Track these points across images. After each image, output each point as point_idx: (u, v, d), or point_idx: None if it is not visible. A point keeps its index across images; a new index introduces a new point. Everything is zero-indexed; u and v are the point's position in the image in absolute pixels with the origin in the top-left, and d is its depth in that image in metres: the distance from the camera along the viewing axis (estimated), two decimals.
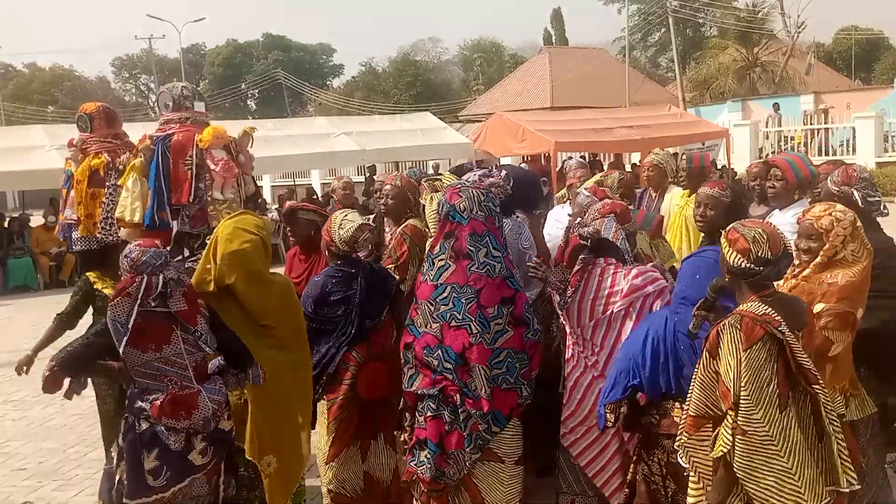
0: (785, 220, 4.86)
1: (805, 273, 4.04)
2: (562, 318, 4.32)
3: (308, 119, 29.44)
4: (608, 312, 4.13)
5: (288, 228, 5.71)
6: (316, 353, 4.57)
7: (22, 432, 7.53)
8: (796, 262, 4.06)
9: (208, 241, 4.31)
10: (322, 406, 4.73)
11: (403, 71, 63.53)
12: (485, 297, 3.91)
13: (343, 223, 4.66)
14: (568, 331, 4.32)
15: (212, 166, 5.04)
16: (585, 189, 5.26)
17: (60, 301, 5.60)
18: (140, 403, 3.83)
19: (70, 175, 5.50)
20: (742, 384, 3.10)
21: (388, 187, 5.49)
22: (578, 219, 4.57)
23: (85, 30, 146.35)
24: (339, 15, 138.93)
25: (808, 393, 3.21)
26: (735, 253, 3.27)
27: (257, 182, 5.76)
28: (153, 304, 3.81)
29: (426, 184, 5.36)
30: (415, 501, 4.26)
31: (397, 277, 5.03)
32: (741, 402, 3.11)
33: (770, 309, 3.19)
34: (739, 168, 20.72)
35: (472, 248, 3.93)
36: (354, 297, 4.62)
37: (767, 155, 24.52)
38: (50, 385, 3.82)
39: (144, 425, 3.83)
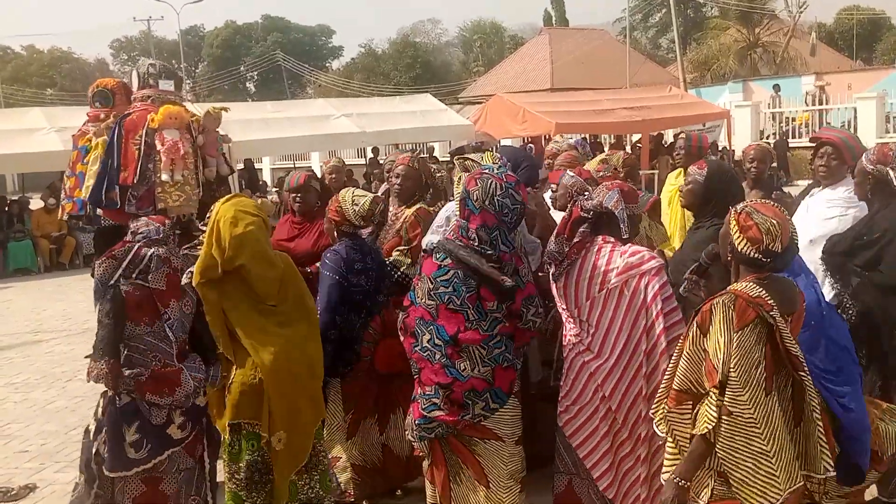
0: (837, 196, 4.90)
1: None
2: (555, 296, 4.33)
3: (307, 101, 29.38)
4: (603, 291, 4.13)
5: (299, 196, 5.73)
6: (349, 321, 4.69)
7: (24, 415, 7.54)
8: None
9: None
10: (337, 382, 4.82)
11: (403, 53, 63.36)
12: (486, 291, 3.90)
13: (356, 199, 4.76)
14: (562, 311, 4.33)
15: (159, 147, 4.91)
16: (570, 172, 5.25)
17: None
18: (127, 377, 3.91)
19: (89, 150, 5.47)
20: (732, 365, 3.06)
21: (400, 168, 5.45)
22: (585, 193, 4.55)
23: (83, 12, 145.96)
24: None
25: (789, 378, 3.20)
26: (745, 240, 3.19)
27: (256, 164, 5.69)
28: (135, 276, 3.89)
29: (457, 163, 5.32)
30: (425, 479, 4.33)
31: (408, 259, 5.15)
32: (729, 382, 3.07)
33: (764, 292, 3.14)
34: (740, 149, 20.69)
35: (483, 238, 3.91)
36: (372, 270, 4.76)
37: (768, 136, 24.49)
38: (113, 382, 3.91)
39: (126, 399, 3.93)
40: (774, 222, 3.16)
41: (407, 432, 4.26)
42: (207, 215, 4.34)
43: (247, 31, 72.78)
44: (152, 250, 3.94)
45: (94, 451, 4.09)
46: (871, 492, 4.59)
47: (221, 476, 4.42)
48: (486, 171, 4.02)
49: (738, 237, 3.20)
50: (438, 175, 5.62)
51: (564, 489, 4.35)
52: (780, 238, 3.15)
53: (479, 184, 3.91)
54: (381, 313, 4.83)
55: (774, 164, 17.21)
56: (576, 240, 4.23)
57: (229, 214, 4.19)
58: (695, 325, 3.24)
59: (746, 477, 3.10)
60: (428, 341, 3.97)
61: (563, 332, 4.34)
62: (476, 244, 3.88)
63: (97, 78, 6.44)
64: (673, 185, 6.67)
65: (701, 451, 3.17)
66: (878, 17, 53.14)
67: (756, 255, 3.17)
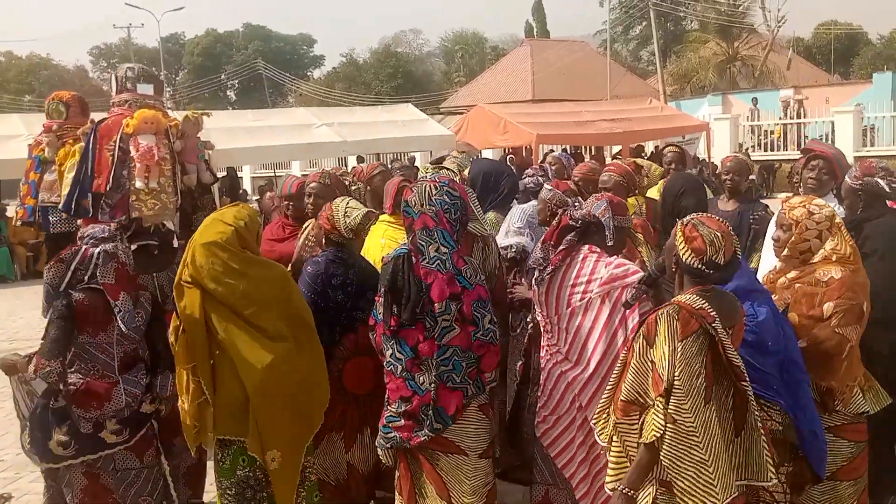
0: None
1: (791, 275, 3.98)
2: (535, 303, 4.32)
3: (288, 110, 29.26)
4: (584, 300, 4.12)
5: (291, 203, 5.77)
6: (322, 336, 4.54)
7: None
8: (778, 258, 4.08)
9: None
10: None
11: (385, 62, 63.39)
12: (434, 293, 3.86)
13: (348, 211, 4.66)
14: (540, 318, 4.32)
15: (133, 153, 4.79)
16: (548, 186, 5.27)
17: (38, 292, 5.53)
18: (60, 385, 3.94)
19: (41, 160, 5.50)
20: (676, 374, 3.14)
21: (312, 185, 5.24)
22: (565, 207, 4.58)
23: (63, 18, 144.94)
24: (319, 5, 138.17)
25: (730, 388, 3.26)
26: (689, 251, 3.27)
27: (238, 172, 5.63)
28: (86, 279, 3.92)
29: (432, 170, 5.27)
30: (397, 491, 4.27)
31: None
32: (674, 391, 3.15)
33: (707, 304, 3.22)
34: (720, 162, 20.81)
35: (422, 243, 3.90)
36: (351, 285, 4.62)
37: (747, 150, 24.66)
38: (60, 382, 3.95)
39: (61, 402, 3.97)
40: (718, 234, 3.26)
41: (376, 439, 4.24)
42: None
43: (227, 40, 72.55)
44: (99, 248, 3.97)
45: (25, 447, 4.16)
46: None
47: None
48: (422, 179, 4.14)
49: (684, 248, 3.30)
50: (354, 188, 5.54)
51: (541, 500, 4.35)
52: (723, 250, 3.25)
53: (415, 189, 3.98)
54: (357, 330, 4.63)
55: (753, 177, 17.31)
56: (561, 247, 4.24)
57: (206, 223, 4.19)
58: (641, 337, 3.32)
59: (689, 486, 3.17)
60: (391, 356, 3.96)
61: (542, 343, 4.34)
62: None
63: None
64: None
65: (647, 459, 3.24)
66: (855, 31, 53.80)
67: (700, 266, 3.26)
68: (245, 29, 73.25)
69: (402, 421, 3.95)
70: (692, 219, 3.36)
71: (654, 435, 3.16)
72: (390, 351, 3.95)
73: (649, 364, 3.25)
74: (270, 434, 4.10)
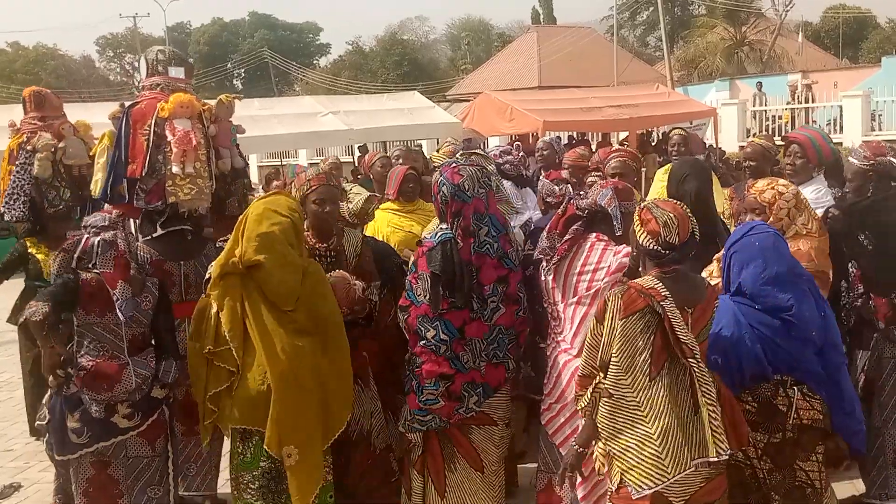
0: (805, 197, 4.82)
1: None
2: (543, 292, 4.32)
3: (295, 98, 29.20)
4: (591, 290, 4.10)
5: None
6: None
7: (9, 413, 7.51)
8: None
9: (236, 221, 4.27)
10: None
11: (391, 50, 63.21)
12: (483, 276, 3.99)
13: (351, 196, 4.76)
14: (547, 306, 4.32)
15: (169, 137, 4.70)
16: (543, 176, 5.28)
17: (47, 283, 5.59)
18: (70, 369, 4.06)
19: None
20: (614, 351, 3.25)
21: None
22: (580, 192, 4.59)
23: (69, 8, 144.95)
24: None
25: (687, 367, 3.32)
26: (645, 233, 3.38)
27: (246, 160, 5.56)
28: (89, 265, 4.01)
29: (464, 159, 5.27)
30: (411, 470, 4.29)
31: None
32: (611, 367, 3.26)
33: (660, 284, 3.31)
34: (727, 147, 20.73)
35: (475, 226, 4.01)
36: None
37: (755, 135, 24.55)
38: (43, 327, 3.97)
39: (72, 388, 4.06)
40: (672, 216, 3.36)
41: (400, 424, 4.26)
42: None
43: (234, 28, 72.55)
44: (99, 237, 4.02)
45: (45, 436, 4.31)
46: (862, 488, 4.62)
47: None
48: (457, 162, 4.22)
49: (640, 230, 3.42)
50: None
51: (545, 487, 4.37)
52: (677, 231, 3.34)
53: (464, 173, 4.06)
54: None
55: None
56: (567, 236, 4.23)
57: (258, 212, 4.11)
58: (594, 316, 3.49)
59: (631, 458, 3.26)
60: (433, 337, 3.99)
61: (549, 330, 4.35)
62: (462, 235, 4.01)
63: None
64: (661, 181, 6.68)
65: (588, 426, 3.45)
66: (863, 15, 53.45)
67: (655, 247, 3.37)
68: (251, 17, 73.19)
69: (442, 402, 4.03)
70: (647, 203, 3.49)
71: (581, 403, 3.35)
72: (433, 332, 3.99)
73: (598, 340, 3.38)
74: (289, 428, 4.01)
